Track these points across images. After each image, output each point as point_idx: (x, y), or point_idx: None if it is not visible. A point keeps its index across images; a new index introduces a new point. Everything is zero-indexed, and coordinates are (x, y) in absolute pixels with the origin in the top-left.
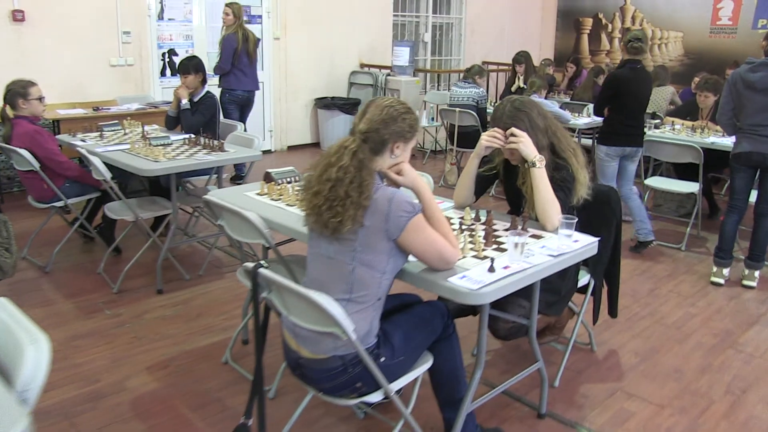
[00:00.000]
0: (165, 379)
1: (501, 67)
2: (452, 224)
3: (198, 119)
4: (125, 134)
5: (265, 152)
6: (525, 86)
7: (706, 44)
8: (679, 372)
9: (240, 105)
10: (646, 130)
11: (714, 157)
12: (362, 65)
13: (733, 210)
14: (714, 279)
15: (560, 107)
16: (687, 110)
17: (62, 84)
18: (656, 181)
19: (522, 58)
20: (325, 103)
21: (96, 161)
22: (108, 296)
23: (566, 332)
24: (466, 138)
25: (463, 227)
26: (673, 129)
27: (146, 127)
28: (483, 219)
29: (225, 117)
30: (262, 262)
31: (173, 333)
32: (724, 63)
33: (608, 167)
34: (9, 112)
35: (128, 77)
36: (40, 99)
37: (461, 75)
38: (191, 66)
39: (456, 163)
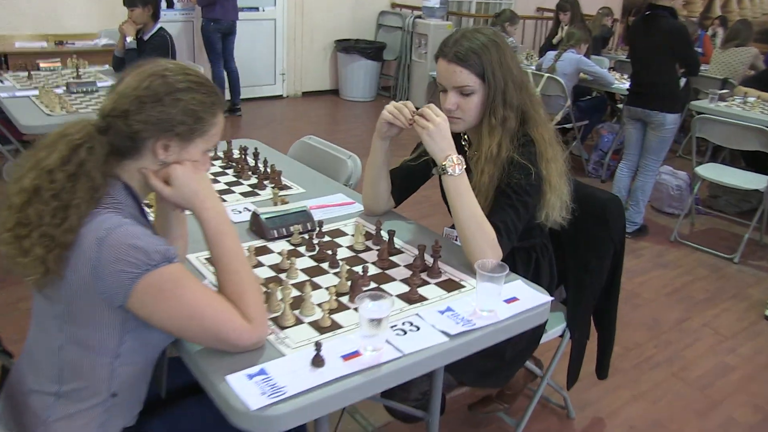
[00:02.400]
0: None
1: None
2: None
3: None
4: (60, 76)
5: (275, 98)
6: None
7: None
8: None
9: (224, 34)
10: (708, 102)
11: None
12: (393, 5)
13: None
14: None
15: (610, 68)
16: None
17: (35, 11)
18: (710, 170)
19: (567, 4)
20: (345, 46)
21: None
22: None
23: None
24: None
25: (338, 262)
26: (744, 103)
27: (94, 68)
28: (385, 240)
29: (208, 48)
30: None
31: None
32: None
33: (627, 132)
34: None
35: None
36: None
37: (489, 21)
38: None
39: None
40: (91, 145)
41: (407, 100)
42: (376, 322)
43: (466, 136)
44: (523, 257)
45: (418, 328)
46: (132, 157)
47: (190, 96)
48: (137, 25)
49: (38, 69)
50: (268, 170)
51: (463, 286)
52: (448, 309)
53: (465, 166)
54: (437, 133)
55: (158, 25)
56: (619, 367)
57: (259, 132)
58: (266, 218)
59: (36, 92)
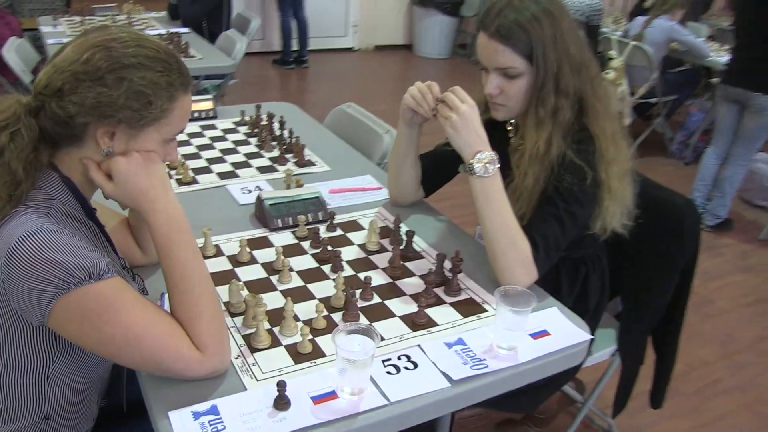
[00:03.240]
0: None
1: None
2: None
3: (196, 9)
4: (113, 23)
5: (346, 50)
6: None
7: None
8: None
9: None
10: None
11: None
12: None
13: None
14: None
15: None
16: None
17: None
18: None
19: None
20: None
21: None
22: None
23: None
24: None
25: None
26: None
27: (150, 14)
28: (402, 245)
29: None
30: None
31: None
32: None
33: (719, 114)
34: None
35: None
36: None
37: None
38: None
39: None
40: (15, 129)
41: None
42: (360, 364)
43: (512, 121)
44: (569, 270)
45: (416, 366)
46: (72, 145)
47: (138, 75)
48: None
49: (93, 15)
50: (293, 142)
51: (485, 311)
52: (459, 342)
53: (499, 164)
54: (462, 125)
55: None
56: (678, 390)
57: (323, 87)
58: (270, 204)
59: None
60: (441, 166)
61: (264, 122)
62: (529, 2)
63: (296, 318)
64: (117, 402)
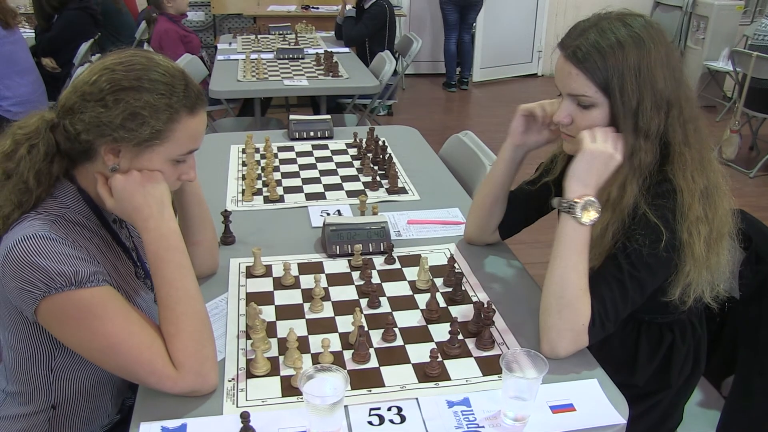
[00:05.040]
0: None
1: None
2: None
3: (359, 31)
4: (283, 41)
5: (530, 76)
6: None
7: None
8: None
9: (460, 6)
10: None
11: None
12: None
13: None
14: None
15: None
16: None
17: None
18: None
19: None
20: None
21: None
22: None
23: None
24: (762, 97)
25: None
26: None
27: (320, 33)
28: (451, 288)
29: (443, 19)
30: None
31: None
32: None
33: None
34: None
35: None
36: None
37: None
38: None
39: (738, 130)
40: (34, 143)
41: None
42: (317, 407)
43: None
44: (651, 336)
45: (403, 420)
46: (87, 160)
47: (135, 96)
48: None
49: (269, 33)
50: (389, 168)
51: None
52: (464, 402)
53: (597, 219)
54: (592, 159)
55: None
56: None
57: (489, 112)
58: (332, 230)
59: (243, 56)
60: (521, 208)
61: (369, 146)
62: (619, 25)
63: (304, 350)
64: None
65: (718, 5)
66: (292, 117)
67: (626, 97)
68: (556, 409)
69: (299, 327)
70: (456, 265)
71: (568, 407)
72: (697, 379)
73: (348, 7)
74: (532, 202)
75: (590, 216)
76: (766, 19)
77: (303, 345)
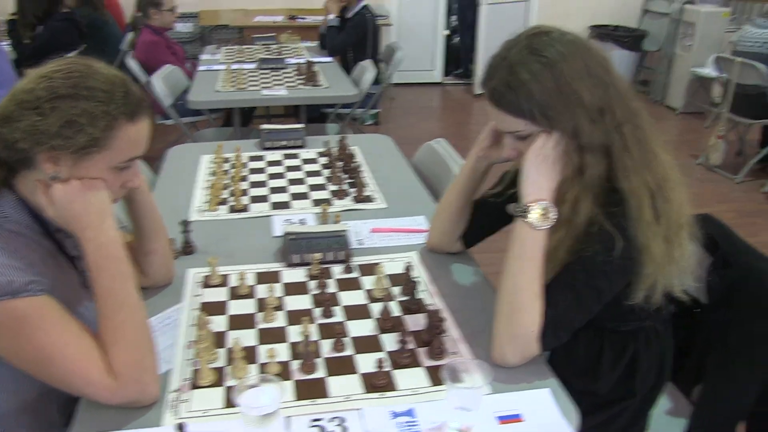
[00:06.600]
0: None
1: None
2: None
3: (342, 40)
4: (266, 51)
5: None
6: None
7: None
8: None
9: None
10: None
11: None
12: None
13: None
14: None
15: None
16: None
17: None
18: None
19: None
20: (600, 33)
21: (155, 83)
22: None
23: None
24: (747, 102)
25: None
26: None
27: (305, 43)
28: (406, 296)
29: None
30: None
31: None
32: None
33: None
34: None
35: None
36: (172, 10)
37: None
38: None
39: (724, 136)
40: None
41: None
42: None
43: None
44: (615, 343)
45: (345, 431)
46: (26, 168)
47: (71, 104)
48: (342, 2)
49: (252, 44)
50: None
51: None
52: (408, 413)
53: (551, 225)
54: (542, 162)
55: (363, 4)
56: None
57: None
58: (291, 239)
59: (223, 66)
60: (484, 217)
61: (340, 155)
62: (526, 54)
63: (252, 360)
64: None
65: (705, 12)
66: (264, 126)
67: (557, 121)
68: (503, 419)
69: (250, 337)
70: (414, 273)
71: (516, 418)
72: (662, 387)
73: (331, 16)
74: (495, 211)
75: (543, 221)
76: (751, 25)
77: (252, 355)
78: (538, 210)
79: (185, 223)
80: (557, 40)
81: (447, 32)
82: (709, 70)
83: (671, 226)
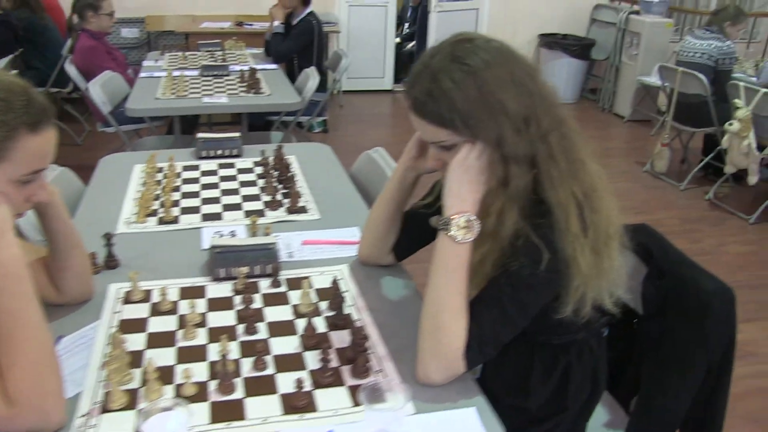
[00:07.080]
0: None
1: None
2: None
3: (287, 46)
4: (210, 58)
5: None
6: None
7: None
8: None
9: None
10: None
11: None
12: None
13: None
14: None
15: None
16: None
17: None
18: None
19: None
20: (549, 42)
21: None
22: None
23: None
24: (689, 111)
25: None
26: None
27: (251, 50)
28: (333, 312)
29: None
30: None
31: None
32: None
33: None
34: (76, 23)
35: None
36: (111, 14)
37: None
38: None
39: (669, 144)
40: None
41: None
42: None
43: None
44: (545, 358)
45: None
46: None
47: None
48: (287, 9)
49: (196, 50)
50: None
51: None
52: None
53: (474, 237)
54: (466, 173)
55: (308, 10)
56: None
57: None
58: (217, 252)
59: (165, 73)
60: (415, 229)
61: (276, 164)
62: (448, 62)
63: (168, 380)
64: None
65: (649, 22)
66: (199, 135)
67: (480, 130)
68: None
69: (169, 356)
70: (343, 287)
71: None
72: (596, 400)
73: (276, 23)
74: (426, 222)
75: (466, 234)
76: (691, 36)
77: (169, 375)
78: (460, 223)
79: (108, 236)
80: (481, 47)
81: (398, 40)
82: (654, 79)
83: (599, 237)
